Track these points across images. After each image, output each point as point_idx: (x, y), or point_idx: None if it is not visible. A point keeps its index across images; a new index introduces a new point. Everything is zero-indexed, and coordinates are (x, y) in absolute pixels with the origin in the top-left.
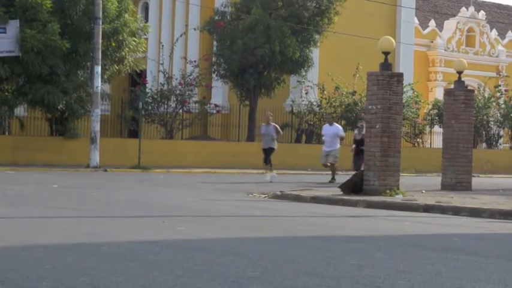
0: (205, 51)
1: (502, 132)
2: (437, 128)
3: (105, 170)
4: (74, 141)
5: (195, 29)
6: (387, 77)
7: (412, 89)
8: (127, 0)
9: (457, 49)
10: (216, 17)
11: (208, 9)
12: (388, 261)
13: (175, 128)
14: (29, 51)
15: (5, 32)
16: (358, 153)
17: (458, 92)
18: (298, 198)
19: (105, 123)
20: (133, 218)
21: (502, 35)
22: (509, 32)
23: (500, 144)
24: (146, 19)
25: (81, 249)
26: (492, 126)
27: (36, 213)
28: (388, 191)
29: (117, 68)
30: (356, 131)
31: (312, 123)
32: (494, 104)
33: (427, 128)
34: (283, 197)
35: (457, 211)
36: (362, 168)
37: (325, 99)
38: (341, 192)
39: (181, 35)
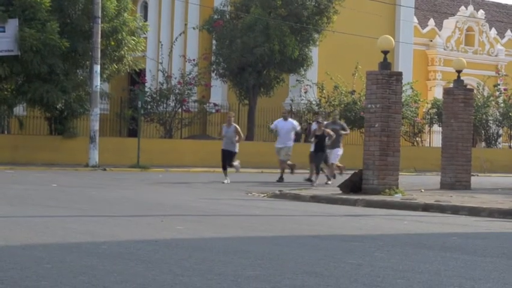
0: (205, 50)
1: (501, 131)
2: (436, 127)
3: (104, 169)
4: (73, 140)
5: (194, 28)
6: (386, 76)
7: (412, 88)
8: None
9: (456, 48)
10: (215, 16)
11: (208, 8)
12: (387, 260)
13: (174, 127)
14: (28, 50)
15: (4, 31)
16: (318, 149)
17: (458, 91)
18: (297, 198)
19: (104, 122)
20: (132, 217)
21: (501, 34)
22: (509, 31)
23: (500, 143)
24: (145, 18)
25: (80, 248)
26: (491, 125)
27: (36, 212)
28: (387, 190)
29: (116, 67)
30: (315, 126)
31: (311, 122)
32: (493, 103)
33: (426, 127)
34: (282, 196)
35: (456, 210)
36: (323, 166)
37: (325, 98)
38: (340, 192)
39: (180, 34)
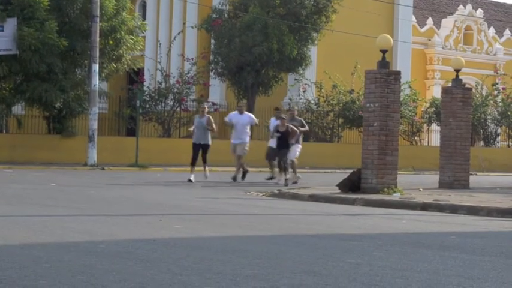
0: (203, 49)
1: (499, 130)
2: (434, 126)
3: (103, 168)
4: (71, 139)
5: (192, 27)
6: (385, 75)
7: (410, 87)
8: None
9: (455, 47)
10: (214, 15)
11: (206, 7)
12: (386, 259)
13: (172, 126)
14: (27, 50)
15: (3, 30)
16: (282, 146)
17: (456, 90)
18: (295, 197)
19: (102, 121)
20: (130, 216)
21: (499, 33)
22: (507, 30)
23: (498, 142)
24: (144, 17)
25: (78, 247)
26: (490, 124)
27: (34, 211)
28: (385, 189)
29: (114, 66)
30: (278, 122)
31: (309, 121)
32: (491, 102)
33: (425, 126)
34: (281, 195)
35: (454, 209)
36: (285, 163)
37: (323, 97)
38: (339, 191)
39: (178, 33)
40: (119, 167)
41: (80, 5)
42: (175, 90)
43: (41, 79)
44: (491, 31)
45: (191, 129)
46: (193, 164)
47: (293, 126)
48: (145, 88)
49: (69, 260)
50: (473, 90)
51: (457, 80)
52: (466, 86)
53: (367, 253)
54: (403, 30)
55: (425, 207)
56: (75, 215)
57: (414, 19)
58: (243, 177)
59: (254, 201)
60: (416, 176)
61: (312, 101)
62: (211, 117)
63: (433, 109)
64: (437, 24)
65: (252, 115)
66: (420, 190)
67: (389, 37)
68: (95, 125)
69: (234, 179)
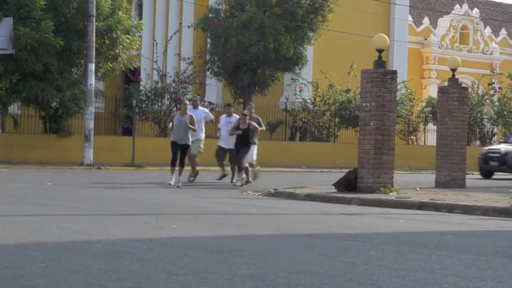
0: (199, 48)
1: (495, 130)
2: (431, 126)
3: (99, 168)
4: (67, 139)
5: (189, 27)
6: (381, 74)
7: (406, 87)
8: None
9: (451, 46)
10: (210, 15)
11: (202, 6)
12: (382, 258)
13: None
14: (23, 49)
15: None
16: (242, 144)
17: (452, 90)
18: (292, 196)
19: (99, 121)
20: (127, 215)
21: (495, 32)
22: (503, 29)
23: (494, 141)
24: (140, 17)
25: (75, 247)
26: (486, 123)
27: (30, 211)
28: (382, 189)
29: (111, 65)
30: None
31: (306, 120)
32: (488, 101)
33: (421, 126)
34: (277, 194)
35: (451, 208)
36: (244, 164)
37: (319, 96)
38: (335, 190)
39: (175, 33)
40: (115, 166)
41: (76, 4)
42: (172, 89)
43: (37, 79)
44: (488, 30)
45: (169, 125)
46: (173, 164)
47: (255, 124)
48: (141, 88)
49: (65, 259)
50: (470, 90)
51: (453, 80)
52: (462, 85)
53: (364, 252)
54: (400, 29)
55: (421, 206)
56: (72, 214)
57: (410, 18)
58: (191, 177)
59: (250, 200)
60: (413, 176)
61: (309, 101)
62: (193, 115)
63: (429, 108)
64: (434, 23)
65: (207, 110)
66: (416, 189)
67: (386, 36)
68: (91, 124)
69: (189, 180)
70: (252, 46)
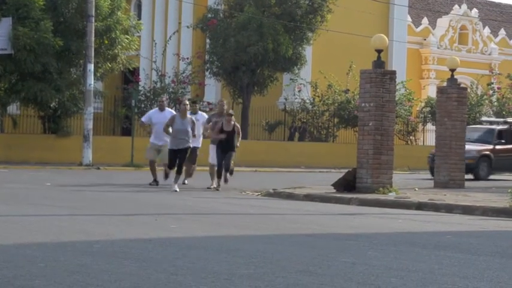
0: (198, 49)
1: None
2: (430, 126)
3: (98, 168)
4: (66, 139)
5: (188, 27)
6: (380, 74)
7: (405, 87)
8: None
9: (450, 47)
10: (209, 15)
11: (201, 7)
12: (381, 258)
13: None
14: (22, 49)
15: None
16: (228, 148)
17: (451, 90)
18: (291, 196)
19: (97, 121)
20: (126, 215)
21: (494, 32)
22: (502, 29)
23: None
24: (139, 17)
25: (74, 247)
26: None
27: (30, 211)
28: (381, 189)
29: (109, 65)
30: (221, 119)
31: (305, 121)
32: (486, 101)
33: (420, 126)
34: (276, 194)
35: (450, 209)
36: (231, 167)
37: (318, 97)
38: (334, 190)
39: (174, 33)
40: (114, 166)
41: (75, 4)
42: (171, 89)
43: (36, 79)
44: (486, 31)
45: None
46: (171, 168)
47: (239, 126)
48: (140, 88)
49: (64, 259)
50: (469, 90)
51: (452, 80)
52: (461, 85)
53: (363, 252)
54: (398, 29)
55: (420, 206)
56: (71, 214)
57: (409, 19)
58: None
59: (249, 201)
60: (412, 176)
61: (307, 101)
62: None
63: (428, 109)
64: (433, 23)
65: (174, 112)
66: (415, 190)
67: (385, 37)
68: (90, 124)
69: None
70: (251, 46)
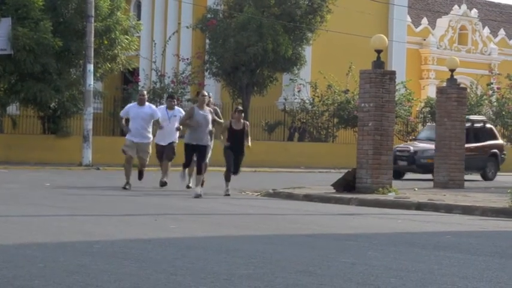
0: (198, 49)
1: None
2: None
3: (98, 168)
4: (66, 139)
5: (187, 27)
6: (380, 75)
7: (405, 87)
8: None
9: (450, 47)
10: (209, 15)
11: (201, 7)
12: (381, 259)
13: None
14: (21, 49)
15: None
16: (236, 148)
17: (451, 90)
18: (290, 196)
19: (97, 121)
20: (125, 216)
21: (494, 32)
22: (502, 30)
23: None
24: (138, 17)
25: (73, 247)
26: None
27: (29, 211)
28: (380, 189)
29: (109, 66)
30: (231, 119)
31: (304, 121)
32: (486, 101)
33: (420, 126)
34: (276, 195)
35: (449, 209)
36: (236, 171)
37: (318, 97)
38: (334, 190)
39: (173, 33)
40: (114, 167)
41: (74, 5)
42: (170, 90)
43: (36, 79)
44: (486, 31)
45: (191, 123)
46: (186, 167)
47: (248, 123)
48: (140, 88)
49: (64, 260)
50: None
51: (451, 80)
52: (461, 85)
53: (362, 253)
54: (398, 30)
55: (420, 206)
56: (70, 215)
57: (409, 19)
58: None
59: (249, 201)
60: (411, 176)
61: (307, 101)
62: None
63: (427, 109)
64: (432, 24)
65: (153, 107)
66: (415, 190)
67: (384, 37)
68: (89, 125)
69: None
70: (250, 47)
